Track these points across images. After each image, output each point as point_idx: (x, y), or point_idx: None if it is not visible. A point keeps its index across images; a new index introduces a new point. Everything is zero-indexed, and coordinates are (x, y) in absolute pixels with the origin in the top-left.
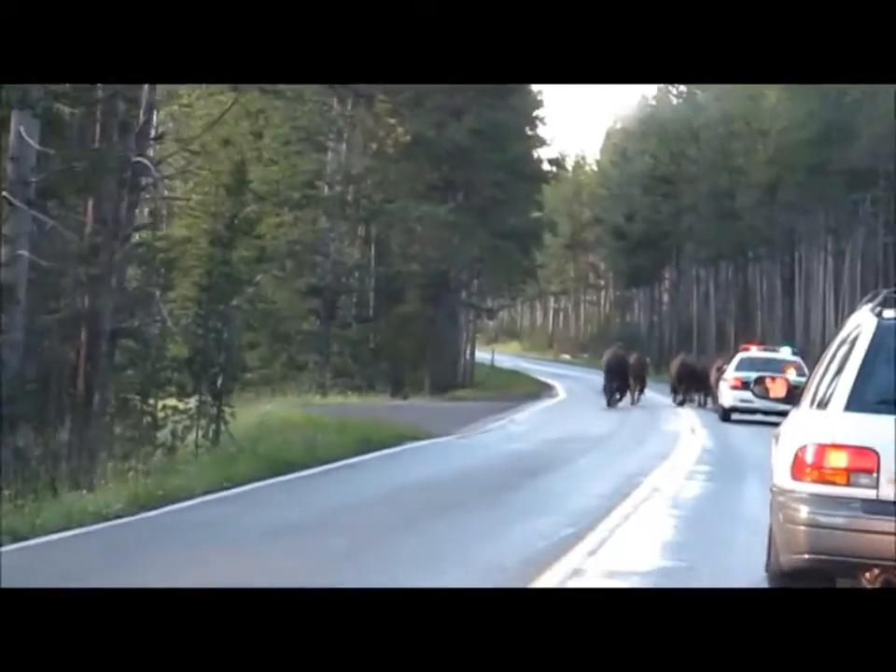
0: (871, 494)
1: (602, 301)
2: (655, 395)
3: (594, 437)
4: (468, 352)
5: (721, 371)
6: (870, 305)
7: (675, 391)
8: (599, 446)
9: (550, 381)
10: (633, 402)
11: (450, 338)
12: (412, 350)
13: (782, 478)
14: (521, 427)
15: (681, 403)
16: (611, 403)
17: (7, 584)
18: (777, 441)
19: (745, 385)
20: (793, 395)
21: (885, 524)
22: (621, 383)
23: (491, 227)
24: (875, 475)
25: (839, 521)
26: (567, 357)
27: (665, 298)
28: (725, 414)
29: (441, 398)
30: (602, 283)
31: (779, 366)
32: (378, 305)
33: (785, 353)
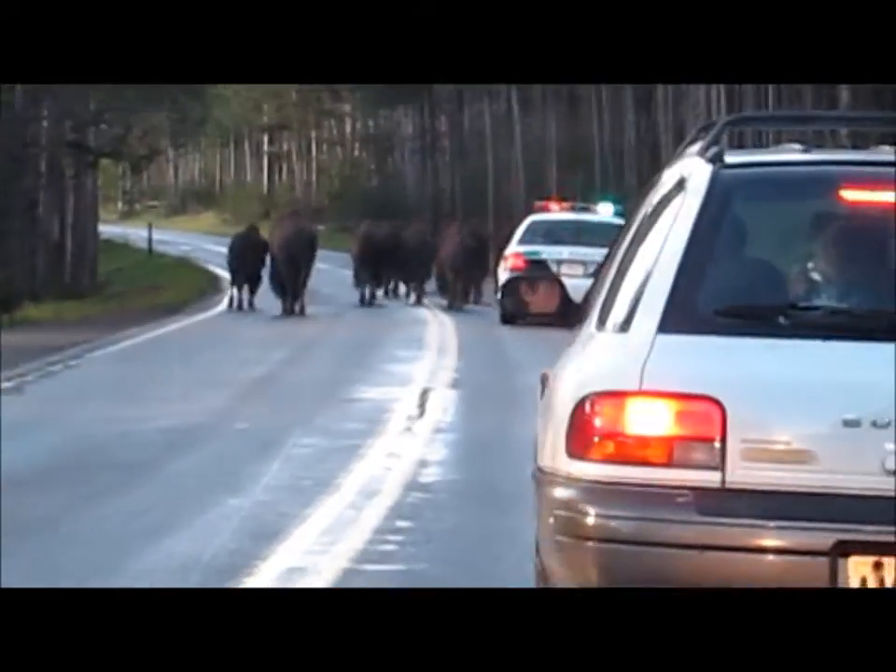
0: (712, 479)
1: (347, 138)
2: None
3: (136, 455)
4: (87, 232)
5: (501, 244)
6: (699, 146)
7: (372, 282)
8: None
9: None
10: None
11: (39, 208)
12: None
13: (553, 455)
14: None
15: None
16: (288, 310)
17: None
18: (543, 388)
19: (534, 267)
20: (572, 308)
21: (738, 533)
22: (294, 278)
23: None
24: (717, 445)
25: (657, 531)
26: None
27: (443, 124)
28: (507, 314)
29: None
30: (346, 107)
31: (594, 235)
32: None
33: (604, 212)
